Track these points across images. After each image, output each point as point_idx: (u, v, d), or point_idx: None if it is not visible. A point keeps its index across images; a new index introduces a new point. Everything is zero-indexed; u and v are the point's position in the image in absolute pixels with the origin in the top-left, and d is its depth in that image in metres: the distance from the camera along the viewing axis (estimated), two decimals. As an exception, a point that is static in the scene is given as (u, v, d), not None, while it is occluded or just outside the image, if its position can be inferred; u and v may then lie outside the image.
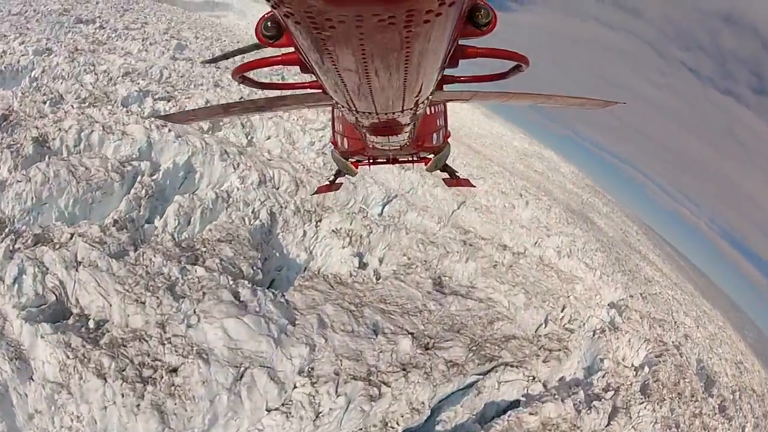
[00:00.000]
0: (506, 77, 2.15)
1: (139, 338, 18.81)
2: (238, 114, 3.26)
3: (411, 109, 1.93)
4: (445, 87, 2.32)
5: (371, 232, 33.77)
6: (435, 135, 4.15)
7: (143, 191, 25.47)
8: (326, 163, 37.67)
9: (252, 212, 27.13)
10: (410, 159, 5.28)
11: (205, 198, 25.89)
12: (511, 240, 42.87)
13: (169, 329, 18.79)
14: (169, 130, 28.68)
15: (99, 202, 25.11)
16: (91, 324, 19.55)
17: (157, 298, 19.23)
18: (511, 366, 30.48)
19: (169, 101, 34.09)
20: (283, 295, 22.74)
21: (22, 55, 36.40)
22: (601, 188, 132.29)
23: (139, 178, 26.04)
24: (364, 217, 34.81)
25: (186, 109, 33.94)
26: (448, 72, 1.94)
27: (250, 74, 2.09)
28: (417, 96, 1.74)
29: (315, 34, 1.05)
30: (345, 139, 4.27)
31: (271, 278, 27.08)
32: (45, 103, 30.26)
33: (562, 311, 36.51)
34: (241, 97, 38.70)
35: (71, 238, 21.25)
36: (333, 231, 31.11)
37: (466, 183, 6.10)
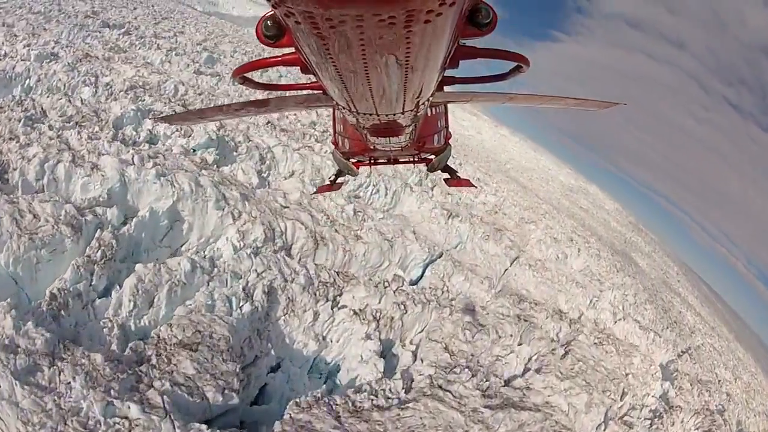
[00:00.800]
0: (506, 78, 2.09)
1: None
2: (239, 115, 3.03)
3: (412, 110, 1.92)
4: (446, 88, 2.30)
5: (405, 312, 25.67)
6: (436, 136, 4.08)
7: (99, 252, 18.76)
8: (358, 211, 30.12)
9: (243, 289, 19.81)
10: (411, 160, 5.17)
11: (177, 269, 18.84)
12: (566, 303, 37.06)
13: None
14: (154, 165, 22.07)
15: (48, 262, 18.65)
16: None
17: (55, 458, 11.98)
18: None
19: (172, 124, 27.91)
20: (263, 440, 14.99)
21: (22, 60, 31.60)
22: (643, 226, 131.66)
23: (97, 233, 19.42)
24: (398, 288, 26.79)
25: (191, 136, 27.64)
26: (448, 73, 1.92)
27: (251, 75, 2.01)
28: (418, 97, 1.73)
29: (315, 34, 1.04)
30: (346, 139, 4.19)
31: (260, 385, 19.50)
32: (20, 121, 24.66)
33: (621, 399, 30.38)
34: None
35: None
36: (355, 313, 23.27)
37: (467, 183, 5.62)
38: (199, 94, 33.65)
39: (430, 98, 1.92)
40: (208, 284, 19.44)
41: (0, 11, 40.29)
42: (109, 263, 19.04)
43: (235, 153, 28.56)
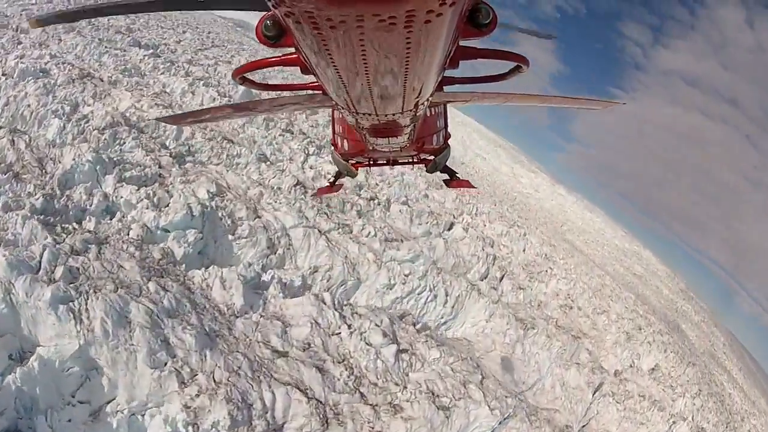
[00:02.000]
0: (506, 78, 2.10)
1: None
2: (238, 116, 2.94)
3: (411, 110, 1.92)
4: (445, 88, 2.29)
5: None
6: (435, 136, 4.08)
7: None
8: (402, 350, 19.41)
9: None
10: (411, 161, 5.11)
11: None
12: (648, 438, 32.11)
13: None
14: (65, 273, 12.82)
15: None
16: None
17: None
18: None
19: (145, 186, 18.97)
20: None
21: (3, 75, 24.65)
22: (693, 293, 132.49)
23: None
24: None
25: (167, 206, 18.62)
26: (448, 73, 1.91)
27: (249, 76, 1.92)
28: (417, 97, 1.73)
29: (315, 34, 1.04)
30: (345, 140, 4.13)
31: None
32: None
33: None
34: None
35: None
36: None
37: (467, 184, 5.58)
38: (210, 140, 25.08)
39: (430, 98, 1.90)
40: None
41: (21, 14, 34.93)
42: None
43: (230, 237, 19.09)
